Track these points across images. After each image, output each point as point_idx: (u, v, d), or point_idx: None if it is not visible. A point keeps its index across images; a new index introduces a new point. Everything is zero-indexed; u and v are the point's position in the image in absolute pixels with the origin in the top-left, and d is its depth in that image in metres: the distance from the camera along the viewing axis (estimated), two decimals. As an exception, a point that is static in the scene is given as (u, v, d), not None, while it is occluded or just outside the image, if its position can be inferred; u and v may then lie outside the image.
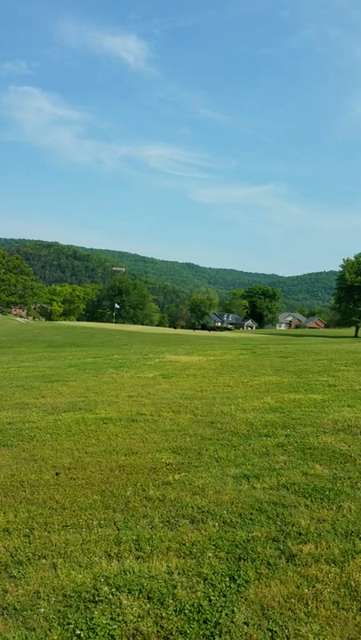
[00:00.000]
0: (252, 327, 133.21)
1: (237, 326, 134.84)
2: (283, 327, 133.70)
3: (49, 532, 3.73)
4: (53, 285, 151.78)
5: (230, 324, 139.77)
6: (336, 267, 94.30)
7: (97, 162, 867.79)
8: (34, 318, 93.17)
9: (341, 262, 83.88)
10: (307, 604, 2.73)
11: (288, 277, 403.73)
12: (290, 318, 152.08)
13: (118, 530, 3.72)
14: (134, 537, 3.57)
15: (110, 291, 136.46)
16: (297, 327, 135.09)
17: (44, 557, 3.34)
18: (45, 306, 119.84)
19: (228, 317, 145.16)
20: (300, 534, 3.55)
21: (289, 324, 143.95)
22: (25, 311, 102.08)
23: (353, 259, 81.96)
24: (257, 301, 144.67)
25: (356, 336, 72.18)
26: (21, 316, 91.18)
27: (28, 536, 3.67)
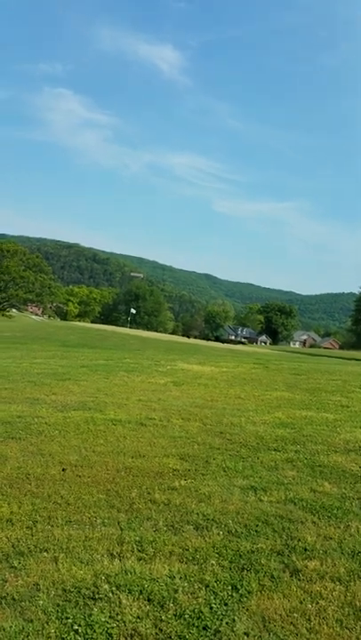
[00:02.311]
0: (265, 343, 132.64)
1: (251, 341, 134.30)
2: (297, 345, 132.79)
3: (52, 525, 3.73)
4: (71, 286, 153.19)
5: (244, 337, 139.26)
6: (356, 288, 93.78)
7: (122, 166, 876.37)
8: (49, 317, 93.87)
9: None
10: (309, 619, 2.68)
11: (306, 296, 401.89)
12: (305, 337, 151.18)
13: (122, 530, 3.70)
14: (137, 538, 3.55)
15: (127, 295, 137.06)
16: (311, 346, 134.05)
17: (46, 550, 3.34)
18: (61, 306, 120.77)
19: (242, 331, 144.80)
20: (305, 550, 3.50)
21: (303, 343, 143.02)
22: (41, 309, 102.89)
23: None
24: (273, 317, 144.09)
25: (371, 360, 71.39)
26: (37, 314, 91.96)
27: (31, 528, 3.67)
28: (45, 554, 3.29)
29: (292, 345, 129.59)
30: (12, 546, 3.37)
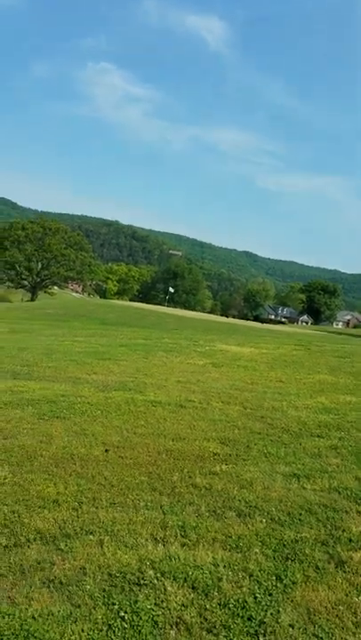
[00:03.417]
0: (307, 323, 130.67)
1: (292, 320, 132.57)
2: (340, 325, 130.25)
3: (97, 507, 3.81)
4: (110, 264, 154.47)
5: (284, 317, 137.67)
6: None
7: (164, 142, 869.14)
8: (89, 295, 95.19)
9: None
10: (355, 613, 2.67)
11: (351, 274, 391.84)
12: (348, 317, 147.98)
13: (164, 514, 3.75)
14: (180, 523, 3.59)
15: (165, 274, 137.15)
16: (355, 327, 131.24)
17: (92, 533, 3.42)
18: (101, 283, 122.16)
19: (282, 311, 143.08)
20: (350, 540, 3.47)
21: (347, 323, 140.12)
22: (81, 287, 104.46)
23: None
24: (315, 296, 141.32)
25: None
26: (77, 292, 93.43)
27: (77, 510, 3.77)
28: (91, 537, 3.37)
29: (335, 325, 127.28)
30: (59, 527, 3.47)
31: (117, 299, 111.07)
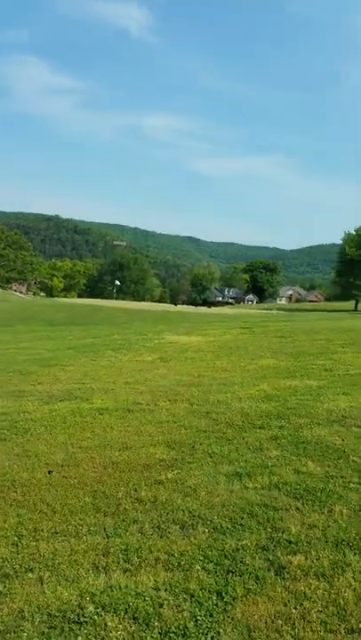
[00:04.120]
0: (252, 301, 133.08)
1: (238, 300, 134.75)
2: (283, 301, 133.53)
3: (37, 540, 3.68)
4: (54, 260, 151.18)
5: (231, 298, 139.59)
6: (337, 239, 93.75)
7: (96, 132, 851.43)
8: (34, 294, 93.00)
9: (342, 236, 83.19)
10: (294, 625, 2.68)
11: (290, 250, 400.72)
12: (290, 292, 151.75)
13: (108, 537, 3.67)
14: (123, 547, 3.51)
15: (111, 266, 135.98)
16: (297, 301, 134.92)
17: (31, 570, 3.29)
18: (46, 281, 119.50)
19: (229, 292, 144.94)
20: (290, 543, 3.50)
21: (289, 298, 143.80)
22: (25, 286, 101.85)
23: (353, 232, 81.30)
24: (258, 275, 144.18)
25: (355, 310, 72.08)
26: (21, 292, 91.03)
27: (17, 545, 3.62)
28: (30, 574, 3.24)
29: (278, 301, 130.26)
30: (-2, 568, 3.33)
31: (65, 295, 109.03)
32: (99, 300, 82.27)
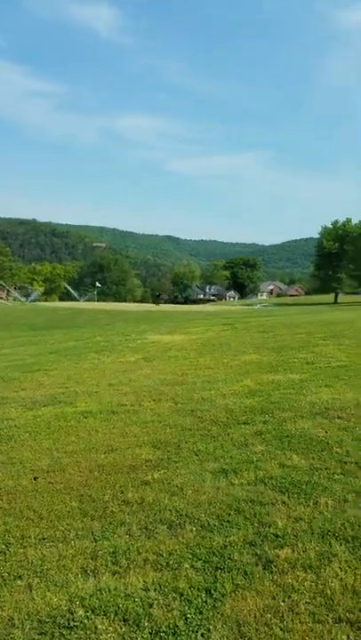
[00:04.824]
0: (234, 298, 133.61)
1: (220, 297, 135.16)
2: (264, 296, 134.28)
3: (25, 547, 3.65)
4: (33, 264, 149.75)
5: (213, 295, 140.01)
6: (314, 233, 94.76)
7: (73, 135, 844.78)
8: (14, 299, 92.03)
9: (320, 229, 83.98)
10: (283, 617, 2.70)
11: (269, 246, 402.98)
12: (271, 287, 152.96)
13: (96, 541, 3.66)
14: (111, 549, 3.51)
15: (91, 267, 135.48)
16: (278, 295, 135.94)
17: (20, 577, 3.27)
18: (26, 286, 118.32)
19: (210, 289, 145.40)
20: (276, 536, 3.52)
21: (270, 293, 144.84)
22: (5, 292, 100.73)
23: (330, 226, 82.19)
24: (238, 272, 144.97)
25: (335, 302, 72.94)
26: (1, 298, 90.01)
27: (5, 553, 3.59)
28: (19, 582, 3.22)
29: (259, 296, 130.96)
30: (-14, 577, 3.29)
31: (45, 299, 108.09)
32: (80, 302, 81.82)
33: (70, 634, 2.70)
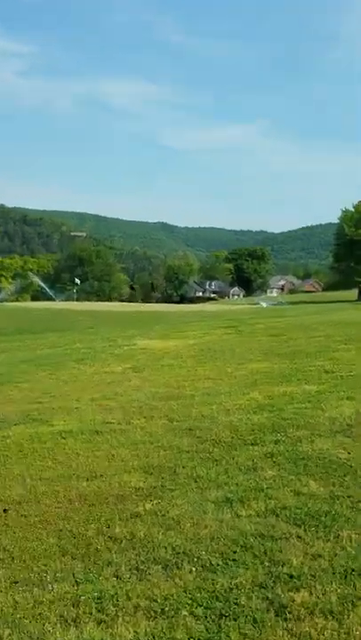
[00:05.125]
0: (238, 295, 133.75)
1: (223, 295, 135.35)
2: (275, 293, 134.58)
3: (-6, 592, 3.66)
4: (0, 258, 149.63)
5: (214, 292, 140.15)
6: (334, 218, 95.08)
7: (48, 103, 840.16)
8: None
9: (340, 214, 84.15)
10: (299, 674, 2.72)
11: (279, 233, 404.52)
12: (282, 282, 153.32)
13: (77, 584, 3.67)
14: (96, 594, 3.52)
15: (69, 261, 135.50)
16: (291, 292, 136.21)
17: (-12, 629, 3.27)
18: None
19: (211, 285, 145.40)
20: (291, 577, 3.54)
21: (282, 289, 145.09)
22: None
23: (352, 209, 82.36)
24: (243, 264, 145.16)
25: (358, 300, 73.10)
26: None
27: (-31, 600, 3.59)
28: (-13, 634, 3.23)
29: (269, 293, 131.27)
30: None
31: (16, 299, 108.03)
32: (56, 302, 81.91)
33: None
